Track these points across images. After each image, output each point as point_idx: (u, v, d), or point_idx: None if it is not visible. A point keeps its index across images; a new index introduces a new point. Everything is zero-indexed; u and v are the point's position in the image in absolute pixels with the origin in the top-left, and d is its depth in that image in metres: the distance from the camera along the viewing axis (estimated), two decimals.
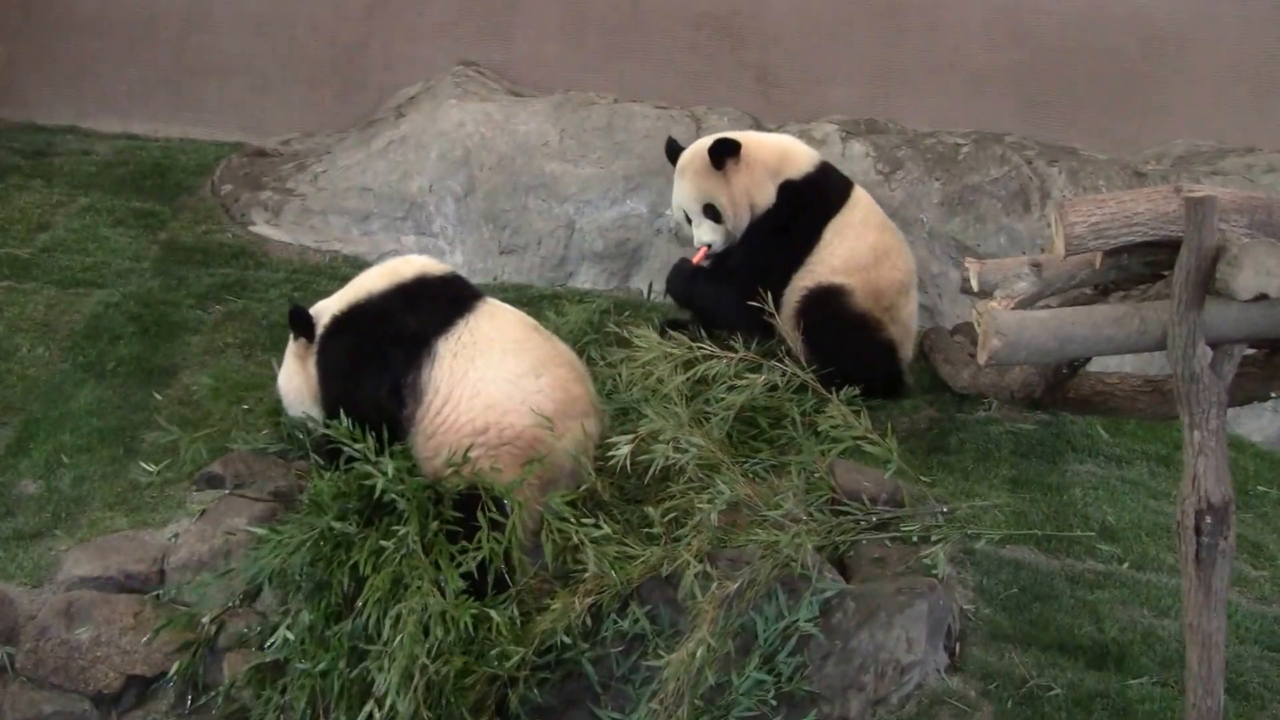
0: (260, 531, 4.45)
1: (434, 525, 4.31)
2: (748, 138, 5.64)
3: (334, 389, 4.66)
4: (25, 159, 7.34)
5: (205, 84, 7.83)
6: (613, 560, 4.28)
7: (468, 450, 4.37)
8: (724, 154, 5.51)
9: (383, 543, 4.25)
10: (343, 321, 4.67)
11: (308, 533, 4.34)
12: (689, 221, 5.67)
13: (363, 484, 4.38)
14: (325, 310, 4.74)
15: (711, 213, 5.57)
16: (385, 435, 4.48)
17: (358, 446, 4.45)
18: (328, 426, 4.57)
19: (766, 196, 5.56)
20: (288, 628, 4.25)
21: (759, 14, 7.46)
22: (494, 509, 4.27)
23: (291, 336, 4.75)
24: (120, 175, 7.21)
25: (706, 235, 5.60)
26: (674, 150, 5.77)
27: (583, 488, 4.53)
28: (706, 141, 5.61)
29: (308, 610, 4.28)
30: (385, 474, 4.34)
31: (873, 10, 7.38)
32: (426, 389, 4.50)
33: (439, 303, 4.63)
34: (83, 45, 7.84)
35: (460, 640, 4.10)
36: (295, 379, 4.78)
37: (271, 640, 4.27)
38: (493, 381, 4.46)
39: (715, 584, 4.16)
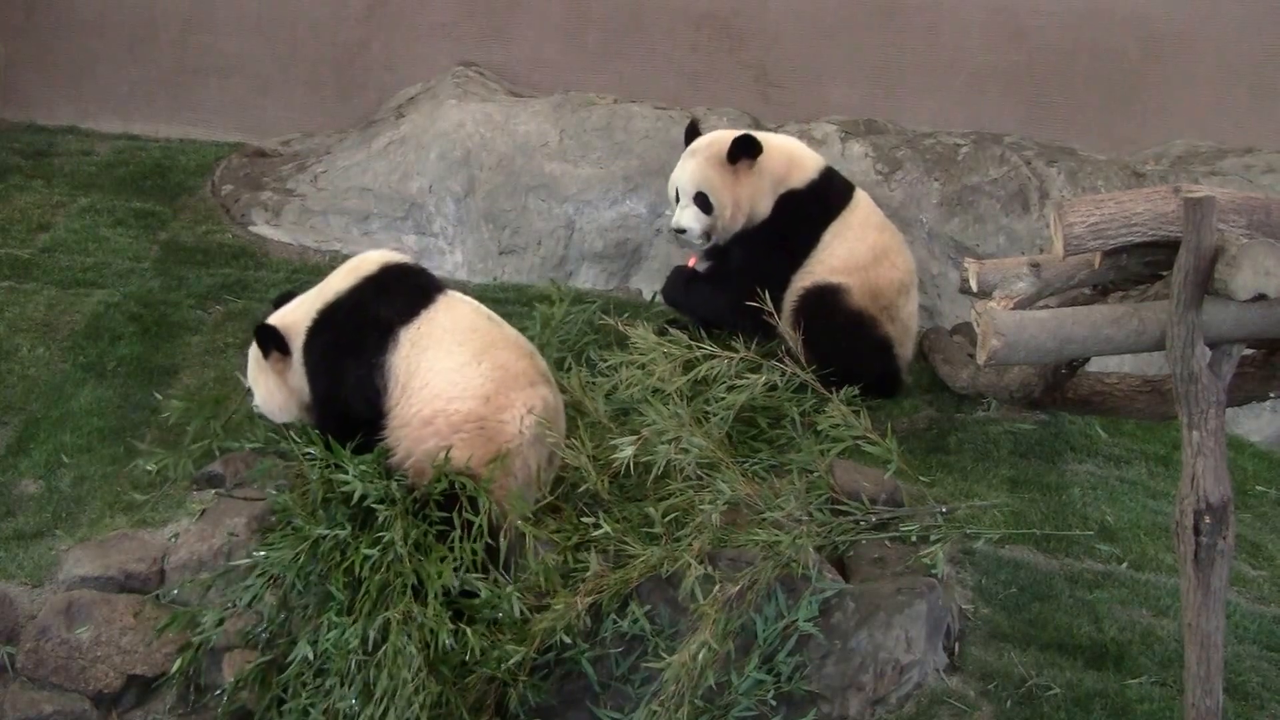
0: (247, 562, 4.47)
1: (422, 527, 4.34)
2: (764, 142, 5.59)
3: (322, 389, 4.71)
4: (26, 159, 7.35)
5: (205, 84, 7.83)
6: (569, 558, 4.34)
7: (448, 451, 4.42)
8: (744, 152, 5.48)
9: (366, 551, 4.27)
10: (320, 323, 4.71)
11: (298, 545, 4.36)
12: (677, 200, 5.61)
13: (341, 490, 4.41)
14: (297, 320, 4.76)
15: (702, 201, 5.53)
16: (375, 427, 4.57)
17: (312, 450, 4.54)
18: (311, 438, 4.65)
19: (765, 208, 5.54)
20: (309, 641, 4.26)
21: (759, 14, 7.46)
22: (469, 508, 4.32)
23: (261, 354, 4.75)
24: (120, 175, 7.22)
25: (687, 220, 5.54)
26: (694, 134, 5.74)
27: (582, 488, 4.55)
28: (731, 133, 5.58)
29: (314, 614, 4.32)
30: (350, 475, 4.38)
31: (872, 11, 7.38)
32: (390, 379, 4.58)
33: (404, 292, 4.71)
34: (83, 46, 7.84)
35: (443, 657, 4.13)
36: (277, 394, 4.80)
37: (291, 657, 4.28)
38: (440, 372, 4.53)
39: (717, 586, 4.17)
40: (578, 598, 4.20)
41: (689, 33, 7.51)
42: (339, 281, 4.76)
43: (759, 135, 5.63)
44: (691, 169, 5.56)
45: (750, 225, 5.57)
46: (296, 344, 4.72)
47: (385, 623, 4.14)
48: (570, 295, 5.68)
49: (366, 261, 4.81)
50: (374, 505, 4.35)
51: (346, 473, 4.41)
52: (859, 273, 5.50)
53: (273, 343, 4.72)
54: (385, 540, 4.26)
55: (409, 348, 4.57)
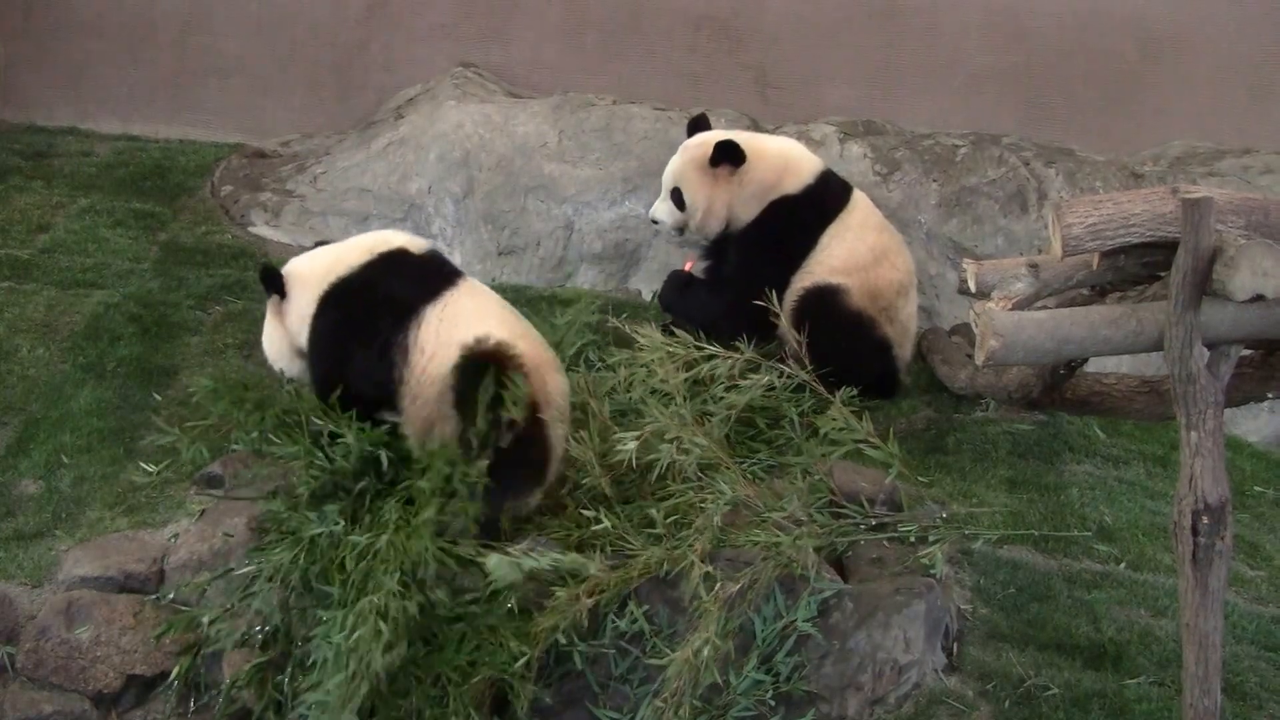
0: (249, 569, 4.44)
1: (399, 490, 4.34)
2: (754, 151, 5.57)
3: (324, 366, 4.72)
4: (26, 160, 7.35)
5: (205, 85, 7.85)
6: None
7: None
8: (724, 158, 5.50)
9: (354, 538, 4.25)
10: (327, 298, 4.72)
11: (294, 546, 4.35)
12: None
13: (331, 475, 4.44)
14: (310, 274, 4.77)
15: (677, 197, 5.57)
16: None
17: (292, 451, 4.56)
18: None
19: (747, 213, 5.54)
20: (325, 637, 4.23)
21: (758, 15, 7.48)
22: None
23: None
24: (120, 176, 7.22)
25: (660, 213, 5.61)
26: (697, 127, 5.75)
27: (585, 480, 4.56)
28: (720, 135, 5.58)
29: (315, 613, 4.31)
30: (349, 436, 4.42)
31: (871, 12, 7.40)
32: (412, 351, 4.57)
33: (426, 274, 4.70)
34: (83, 47, 7.85)
35: (445, 658, 4.12)
36: (274, 336, 4.87)
37: (312, 658, 4.24)
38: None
39: (719, 584, 4.17)
40: (581, 593, 4.19)
41: (688, 34, 7.52)
42: (354, 256, 4.75)
43: (753, 140, 5.64)
44: (674, 164, 5.62)
45: (732, 229, 5.58)
46: (303, 296, 4.74)
47: (363, 609, 4.08)
48: (593, 298, 5.74)
49: (388, 239, 4.81)
50: (377, 462, 4.37)
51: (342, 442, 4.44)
52: (859, 273, 5.50)
53: (272, 285, 4.77)
54: (380, 520, 4.26)
55: (437, 324, 4.57)
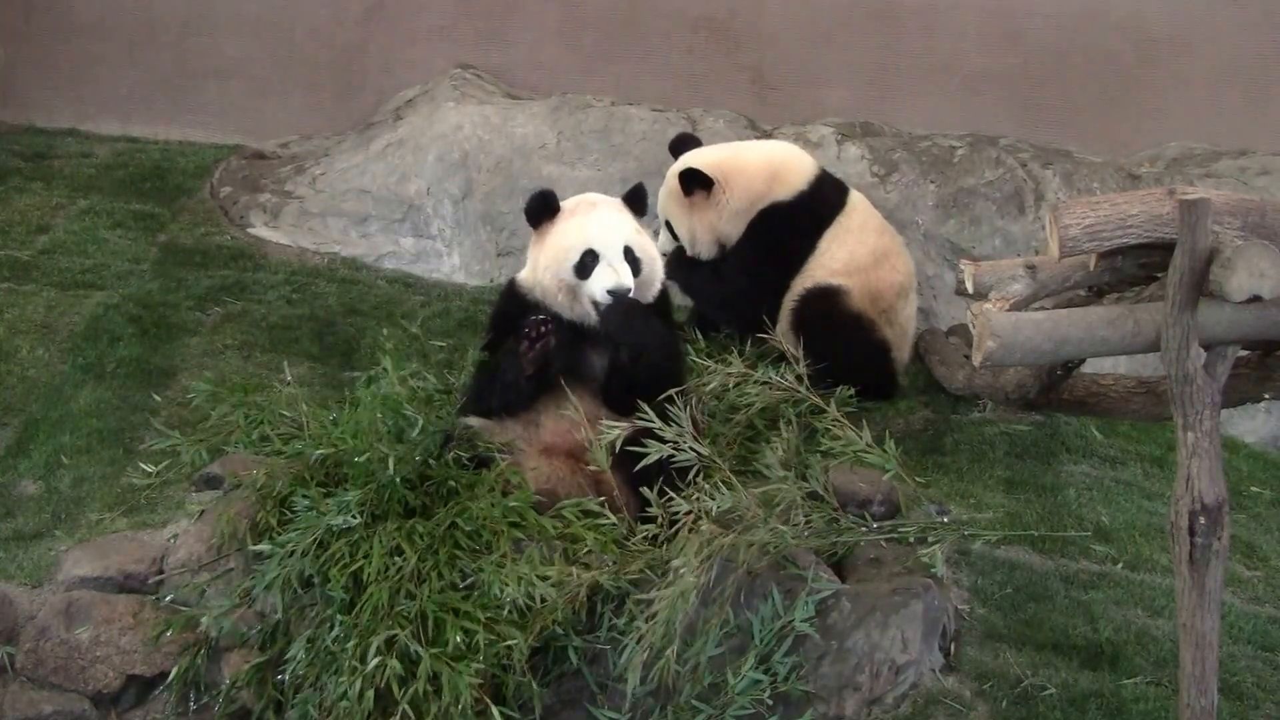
0: (265, 547, 4.41)
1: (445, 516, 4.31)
2: (733, 167, 5.55)
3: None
4: (25, 161, 7.36)
5: (204, 87, 7.85)
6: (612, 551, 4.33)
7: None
8: (693, 185, 5.50)
9: (396, 558, 4.22)
10: None
11: (308, 537, 4.33)
12: None
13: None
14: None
15: (669, 228, 5.61)
16: None
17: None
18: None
19: (734, 229, 5.54)
20: (307, 640, 4.24)
21: (755, 17, 7.48)
22: None
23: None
24: (120, 178, 7.23)
25: (662, 245, 5.60)
26: (679, 147, 5.74)
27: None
28: (689, 160, 5.57)
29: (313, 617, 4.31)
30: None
31: (868, 13, 7.41)
32: None
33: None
34: (83, 48, 7.86)
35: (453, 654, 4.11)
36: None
37: (290, 654, 4.25)
38: None
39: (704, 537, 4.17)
40: (579, 572, 4.19)
41: (685, 35, 7.53)
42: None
43: (732, 153, 5.62)
44: (659, 197, 5.60)
45: (727, 245, 5.58)
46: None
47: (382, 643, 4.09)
48: None
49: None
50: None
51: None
52: (859, 275, 5.50)
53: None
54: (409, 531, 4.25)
55: None
